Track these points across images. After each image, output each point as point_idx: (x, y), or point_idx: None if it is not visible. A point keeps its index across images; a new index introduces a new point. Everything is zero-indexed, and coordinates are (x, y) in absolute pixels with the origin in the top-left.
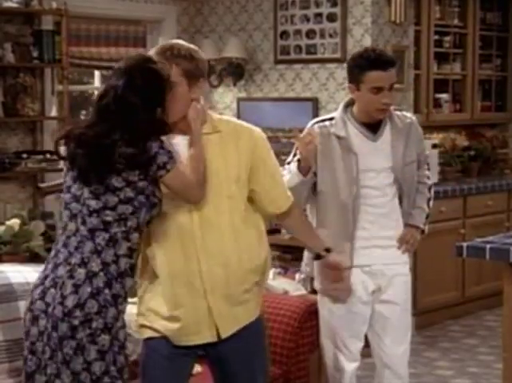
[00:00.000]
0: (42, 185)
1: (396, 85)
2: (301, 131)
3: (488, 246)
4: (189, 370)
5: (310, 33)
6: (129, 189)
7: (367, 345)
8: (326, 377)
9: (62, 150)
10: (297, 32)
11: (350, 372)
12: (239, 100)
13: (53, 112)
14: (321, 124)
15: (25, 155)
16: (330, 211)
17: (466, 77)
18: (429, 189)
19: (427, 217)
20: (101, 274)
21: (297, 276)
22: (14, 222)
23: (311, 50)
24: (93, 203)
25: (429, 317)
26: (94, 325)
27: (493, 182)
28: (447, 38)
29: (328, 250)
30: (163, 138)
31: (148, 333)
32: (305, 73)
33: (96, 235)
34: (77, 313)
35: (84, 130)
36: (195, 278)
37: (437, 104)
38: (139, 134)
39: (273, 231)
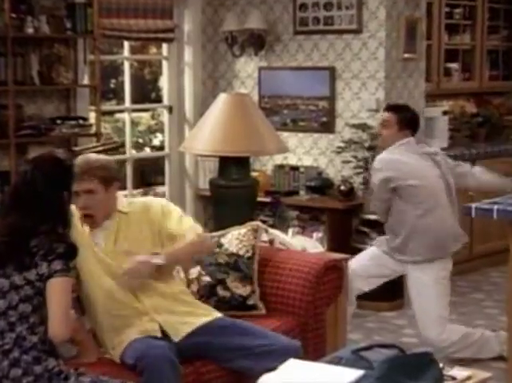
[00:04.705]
0: (75, 149)
1: (409, 55)
2: (318, 99)
3: (495, 207)
4: None
5: (327, 5)
6: (28, 287)
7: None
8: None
9: None
10: (315, 4)
11: None
12: (260, 69)
13: (86, 81)
14: None
15: (59, 121)
16: None
17: (475, 48)
18: None
19: None
20: (15, 348)
21: (315, 234)
22: None
23: (328, 22)
24: (1, 303)
25: None
26: (25, 381)
27: (499, 147)
28: (458, 10)
29: None
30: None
31: None
32: (322, 43)
33: (4, 337)
34: (5, 382)
35: None
36: None
37: (447, 73)
38: (49, 218)
39: (291, 193)
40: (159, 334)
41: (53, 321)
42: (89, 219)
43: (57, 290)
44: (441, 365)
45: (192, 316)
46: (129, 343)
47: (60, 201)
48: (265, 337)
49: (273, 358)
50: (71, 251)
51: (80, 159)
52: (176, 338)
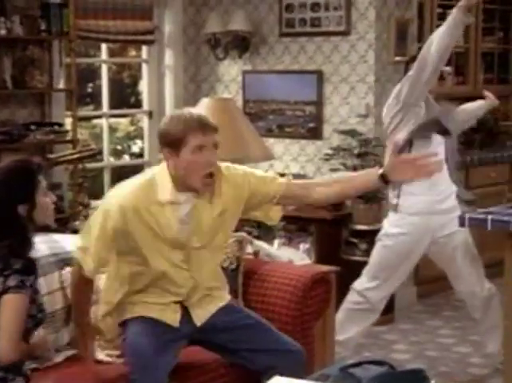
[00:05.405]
0: (51, 156)
1: (400, 58)
2: (305, 103)
3: (490, 216)
4: None
5: (315, 6)
6: None
7: None
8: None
9: None
10: (302, 5)
11: None
12: (244, 72)
13: (61, 85)
14: None
15: (33, 127)
16: None
17: (469, 50)
18: None
19: None
20: None
21: (302, 246)
22: None
23: (315, 23)
24: None
25: (432, 286)
26: None
27: (495, 154)
28: (450, 11)
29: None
30: None
31: None
32: (309, 45)
33: None
34: None
35: None
36: None
37: (440, 76)
38: (4, 234)
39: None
40: (175, 324)
41: (0, 341)
42: (210, 179)
43: (9, 307)
44: (433, 382)
45: (217, 298)
46: (136, 320)
47: (14, 215)
48: (273, 334)
49: (277, 357)
50: (29, 268)
51: (194, 113)
52: (199, 322)
